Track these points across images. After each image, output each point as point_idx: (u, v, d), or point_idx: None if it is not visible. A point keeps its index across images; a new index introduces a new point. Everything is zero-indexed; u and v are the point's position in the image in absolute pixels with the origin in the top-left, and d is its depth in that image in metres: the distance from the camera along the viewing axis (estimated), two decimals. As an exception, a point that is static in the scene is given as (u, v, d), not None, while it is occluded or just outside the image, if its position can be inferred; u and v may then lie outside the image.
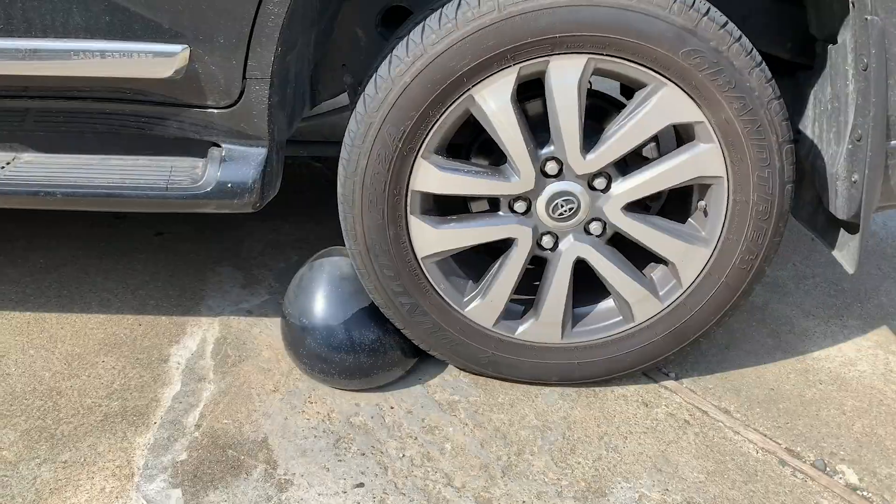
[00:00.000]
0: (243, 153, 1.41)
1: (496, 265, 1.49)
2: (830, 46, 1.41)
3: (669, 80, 1.32)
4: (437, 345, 1.51)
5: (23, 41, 1.29)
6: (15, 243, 1.99)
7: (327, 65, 1.65)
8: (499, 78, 1.32)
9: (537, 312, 1.49)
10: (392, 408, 1.49)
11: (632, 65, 1.32)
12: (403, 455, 1.38)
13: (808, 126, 1.51)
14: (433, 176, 1.39)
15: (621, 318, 1.51)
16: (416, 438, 1.42)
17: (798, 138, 1.52)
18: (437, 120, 1.34)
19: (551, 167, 1.40)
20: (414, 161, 1.37)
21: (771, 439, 1.45)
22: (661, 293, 1.49)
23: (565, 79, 1.33)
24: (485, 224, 1.46)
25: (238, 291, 1.84)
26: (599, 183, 1.42)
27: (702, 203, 1.46)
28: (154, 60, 1.30)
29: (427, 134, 1.35)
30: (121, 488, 1.29)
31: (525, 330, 1.51)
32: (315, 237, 2.06)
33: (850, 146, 1.35)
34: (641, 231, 1.44)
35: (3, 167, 1.43)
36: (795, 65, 1.56)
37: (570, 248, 1.46)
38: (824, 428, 1.48)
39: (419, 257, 1.44)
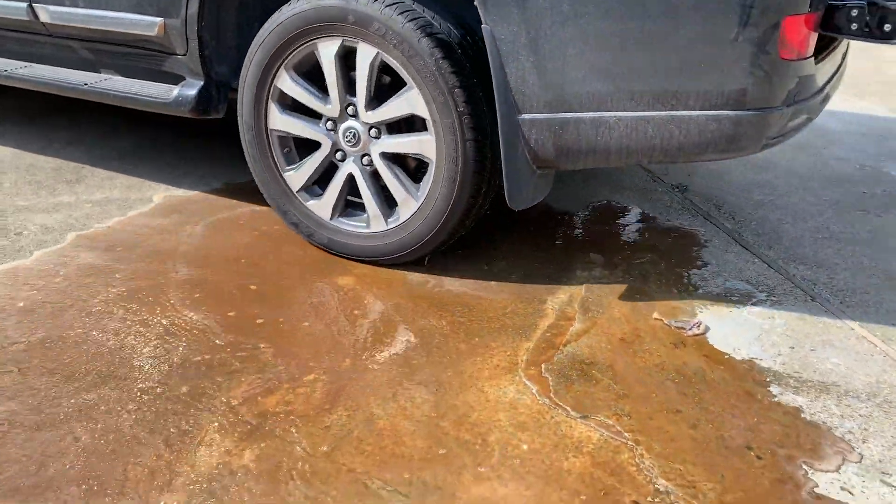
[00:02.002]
0: (192, 83, 2.49)
1: (310, 155, 2.33)
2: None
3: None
4: (268, 191, 2.44)
5: (86, 10, 2.59)
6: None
7: None
8: (328, 40, 2.14)
9: (322, 196, 2.36)
10: (780, 354, 1.87)
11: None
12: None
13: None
14: (288, 82, 2.26)
15: (365, 224, 2.31)
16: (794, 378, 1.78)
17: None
18: (292, 52, 2.22)
19: (351, 110, 2.22)
20: (277, 70, 2.26)
21: None
22: (387, 220, 2.27)
23: (365, 55, 2.11)
24: (307, 124, 2.30)
25: (599, 271, 2.36)
26: (374, 133, 2.20)
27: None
28: (148, 25, 2.45)
29: (285, 58, 2.24)
30: (508, 367, 1.86)
31: (313, 203, 2.37)
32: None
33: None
34: (387, 175, 2.23)
35: (96, 82, 2.70)
36: None
37: (347, 166, 2.28)
38: None
39: (269, 128, 2.33)
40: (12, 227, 2.53)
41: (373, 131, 2.21)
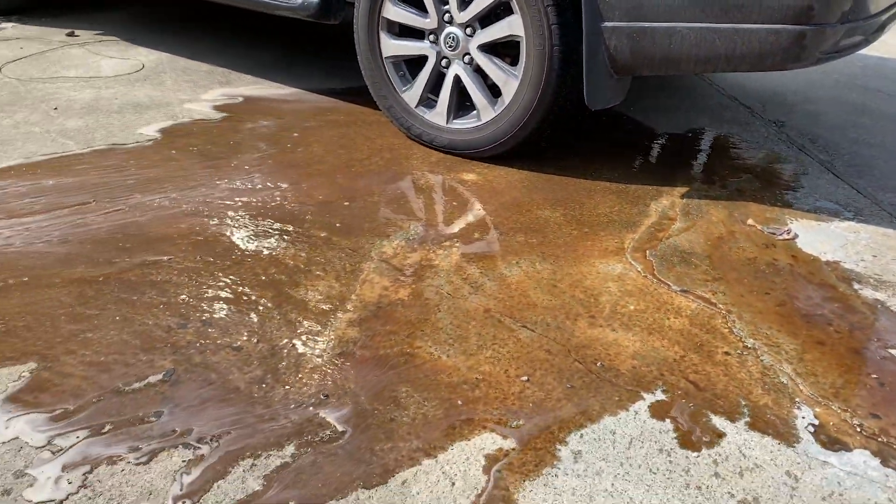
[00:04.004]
0: None
1: (420, 72, 2.66)
2: None
3: None
4: (392, 114, 2.77)
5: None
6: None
7: None
8: None
9: (437, 105, 2.67)
10: (863, 260, 2.10)
11: None
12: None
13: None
14: (391, 9, 2.63)
15: (476, 118, 2.61)
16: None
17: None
18: None
19: (447, 17, 2.54)
20: (382, 1, 2.63)
21: None
22: (493, 107, 2.55)
23: None
24: (414, 43, 2.65)
25: (699, 185, 2.59)
26: (469, 31, 2.52)
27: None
28: None
29: None
30: (616, 250, 2.14)
31: (431, 114, 2.68)
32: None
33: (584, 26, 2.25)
34: (486, 64, 2.52)
35: None
36: None
37: (453, 69, 2.59)
38: None
39: (383, 56, 2.69)
40: (180, 116, 2.92)
41: (468, 30, 2.53)
